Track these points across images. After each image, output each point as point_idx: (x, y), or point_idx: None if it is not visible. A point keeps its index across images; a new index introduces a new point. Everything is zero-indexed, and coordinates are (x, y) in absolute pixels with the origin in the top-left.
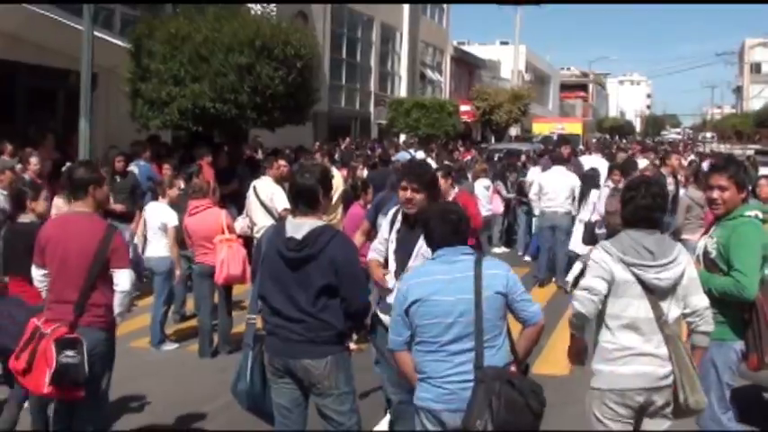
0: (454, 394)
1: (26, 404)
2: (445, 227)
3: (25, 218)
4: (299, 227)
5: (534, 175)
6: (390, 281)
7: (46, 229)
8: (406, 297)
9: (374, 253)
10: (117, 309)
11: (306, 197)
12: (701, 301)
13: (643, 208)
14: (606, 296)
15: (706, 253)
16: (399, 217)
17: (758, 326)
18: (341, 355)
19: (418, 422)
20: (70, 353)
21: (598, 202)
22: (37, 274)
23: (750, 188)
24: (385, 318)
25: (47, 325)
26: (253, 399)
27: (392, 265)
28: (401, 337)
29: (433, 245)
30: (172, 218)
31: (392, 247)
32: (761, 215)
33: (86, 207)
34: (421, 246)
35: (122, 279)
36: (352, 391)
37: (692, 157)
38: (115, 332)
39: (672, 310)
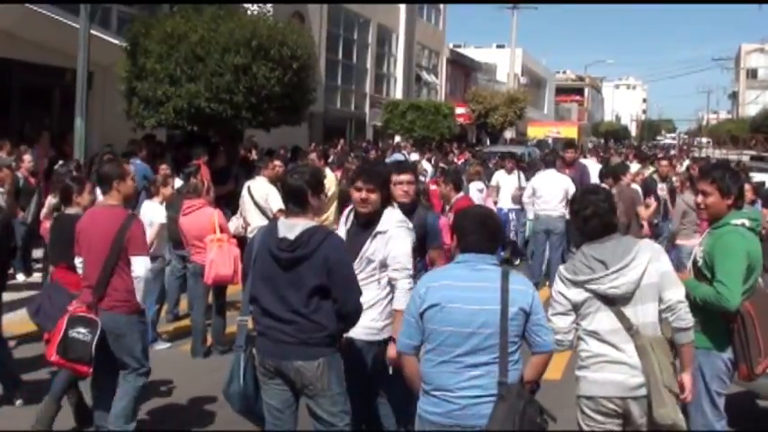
0: (466, 409)
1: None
2: (484, 233)
3: (71, 210)
4: (292, 227)
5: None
6: None
7: (80, 221)
8: (424, 299)
9: None
10: (137, 294)
11: (294, 197)
12: (673, 294)
13: (590, 217)
14: (574, 318)
15: (695, 262)
16: (351, 216)
17: (746, 335)
18: (333, 356)
19: None
20: (81, 330)
21: None
22: (77, 262)
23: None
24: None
25: (75, 307)
26: (245, 400)
27: None
28: (412, 340)
29: (464, 249)
30: (159, 215)
31: None
32: (748, 223)
33: (113, 200)
34: (367, 248)
35: (137, 265)
36: (343, 392)
37: (687, 162)
38: (143, 315)
39: (642, 314)
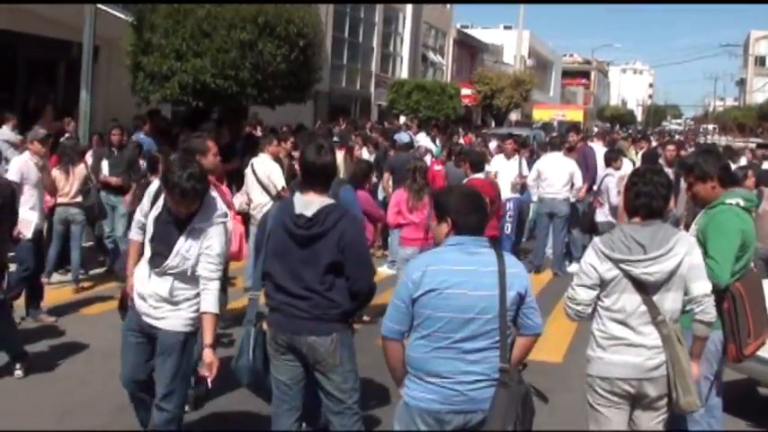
0: (463, 395)
1: None
2: (477, 215)
3: (154, 178)
4: (309, 204)
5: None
6: None
7: None
8: (419, 284)
9: (135, 229)
10: None
11: (321, 175)
12: (700, 288)
13: (645, 195)
14: (598, 292)
15: None
16: (162, 202)
17: (736, 316)
18: (345, 332)
19: (407, 421)
20: None
21: (606, 189)
22: None
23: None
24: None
25: None
26: (254, 375)
27: (147, 253)
28: (400, 326)
29: (458, 231)
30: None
31: (149, 231)
32: (742, 203)
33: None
34: (182, 245)
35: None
36: (354, 370)
37: (692, 148)
38: None
39: (668, 302)
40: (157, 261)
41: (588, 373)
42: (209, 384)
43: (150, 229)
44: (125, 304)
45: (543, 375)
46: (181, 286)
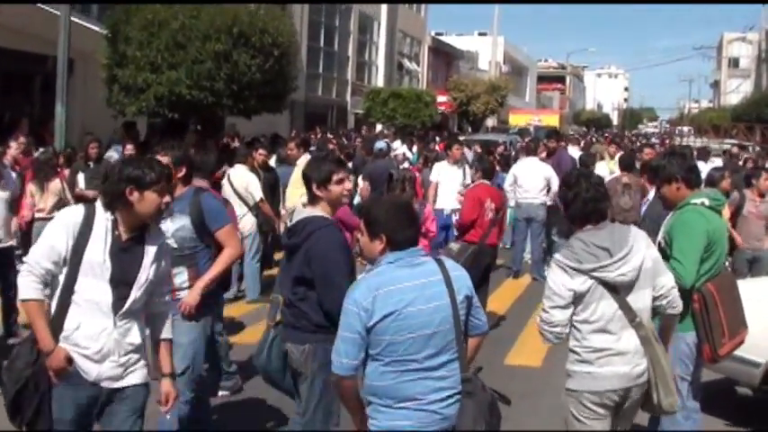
0: (437, 414)
1: None
2: (412, 229)
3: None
4: (299, 214)
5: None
6: None
7: None
8: (372, 311)
9: (34, 284)
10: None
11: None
12: (666, 280)
13: (591, 200)
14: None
15: (659, 243)
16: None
17: (709, 317)
18: (320, 345)
19: None
20: None
21: None
22: None
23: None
24: None
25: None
26: (267, 374)
27: (98, 299)
28: (357, 360)
29: (396, 246)
30: None
31: (99, 270)
32: (708, 202)
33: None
34: (147, 271)
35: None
36: (323, 390)
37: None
38: None
39: (640, 301)
40: (120, 303)
41: (572, 388)
42: (167, 416)
43: (106, 267)
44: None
45: (523, 379)
46: (141, 323)
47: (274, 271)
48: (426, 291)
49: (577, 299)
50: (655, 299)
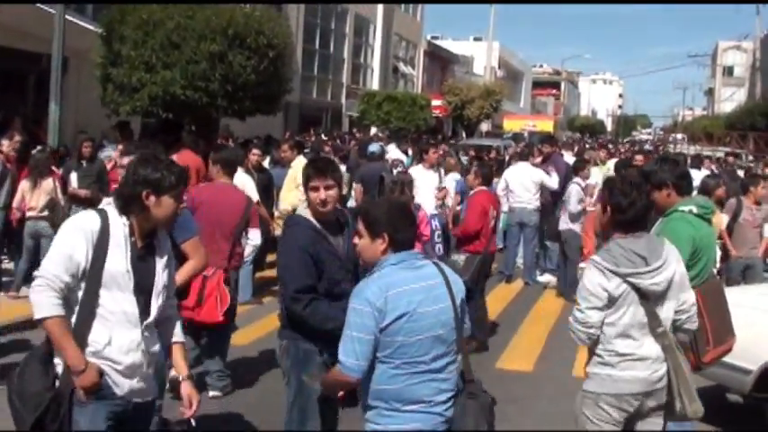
0: (441, 416)
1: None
2: (413, 228)
3: None
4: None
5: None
6: None
7: (201, 195)
8: (385, 312)
9: (55, 299)
10: (247, 257)
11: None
12: (689, 296)
13: (644, 209)
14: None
15: None
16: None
17: None
18: (292, 343)
19: None
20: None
21: (569, 197)
22: None
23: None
24: None
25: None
26: None
27: (127, 310)
28: (368, 361)
29: (398, 247)
30: None
31: (123, 282)
32: (695, 210)
33: (229, 179)
34: (161, 276)
35: (255, 235)
36: (298, 389)
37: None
38: None
39: (665, 312)
40: (145, 313)
41: (591, 390)
42: (192, 422)
43: (129, 277)
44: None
45: (515, 383)
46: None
47: (266, 273)
48: (430, 293)
49: (610, 302)
50: (676, 313)
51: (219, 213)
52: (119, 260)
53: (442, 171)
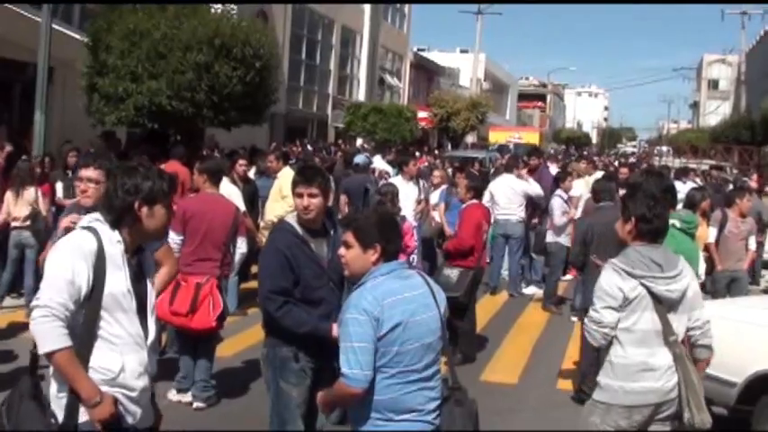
0: (431, 425)
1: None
2: (400, 239)
3: None
4: None
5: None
6: None
7: (192, 205)
8: (382, 320)
9: (62, 329)
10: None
11: None
12: (702, 313)
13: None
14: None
15: None
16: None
17: None
18: (271, 350)
19: None
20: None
21: (551, 210)
22: (177, 239)
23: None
24: None
25: (196, 277)
26: None
27: (131, 331)
28: (372, 371)
29: (389, 257)
30: None
31: (125, 303)
32: (678, 224)
33: (215, 189)
34: (151, 291)
35: (243, 243)
36: (274, 395)
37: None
38: None
39: (677, 323)
40: (146, 333)
41: (603, 401)
42: None
43: (131, 297)
44: None
45: (499, 396)
46: None
47: (251, 284)
48: (421, 302)
49: (625, 304)
50: (689, 329)
51: (210, 224)
52: (119, 281)
53: (423, 183)
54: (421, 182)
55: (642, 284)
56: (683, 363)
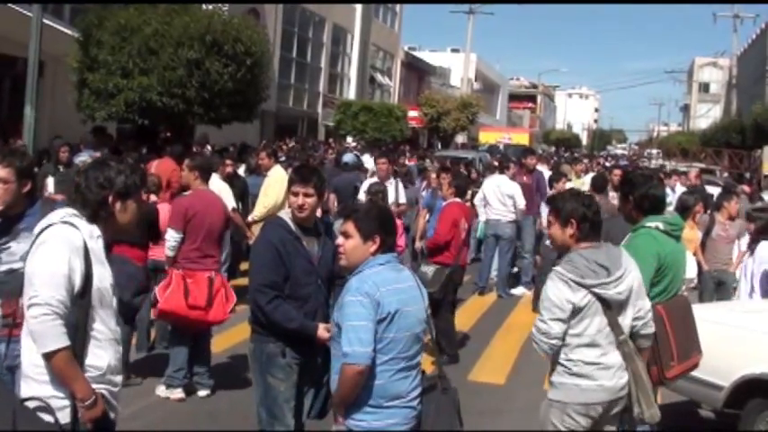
0: (414, 410)
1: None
2: (396, 233)
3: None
4: None
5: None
6: None
7: (192, 204)
8: (382, 304)
9: (60, 324)
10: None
11: None
12: (645, 303)
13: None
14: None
15: None
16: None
17: (656, 340)
18: (257, 345)
19: None
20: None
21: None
22: (177, 236)
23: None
24: None
25: (202, 273)
26: None
27: (110, 324)
28: (372, 349)
29: (387, 249)
30: None
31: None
32: (662, 226)
33: (206, 186)
34: None
35: (227, 238)
36: (262, 390)
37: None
38: None
39: (625, 320)
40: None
41: (559, 399)
42: None
43: (114, 293)
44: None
45: (487, 396)
46: None
47: (239, 281)
48: (411, 293)
49: (575, 313)
50: (633, 319)
51: (210, 221)
52: (104, 276)
53: (399, 183)
54: (396, 181)
55: (592, 292)
56: (632, 361)
